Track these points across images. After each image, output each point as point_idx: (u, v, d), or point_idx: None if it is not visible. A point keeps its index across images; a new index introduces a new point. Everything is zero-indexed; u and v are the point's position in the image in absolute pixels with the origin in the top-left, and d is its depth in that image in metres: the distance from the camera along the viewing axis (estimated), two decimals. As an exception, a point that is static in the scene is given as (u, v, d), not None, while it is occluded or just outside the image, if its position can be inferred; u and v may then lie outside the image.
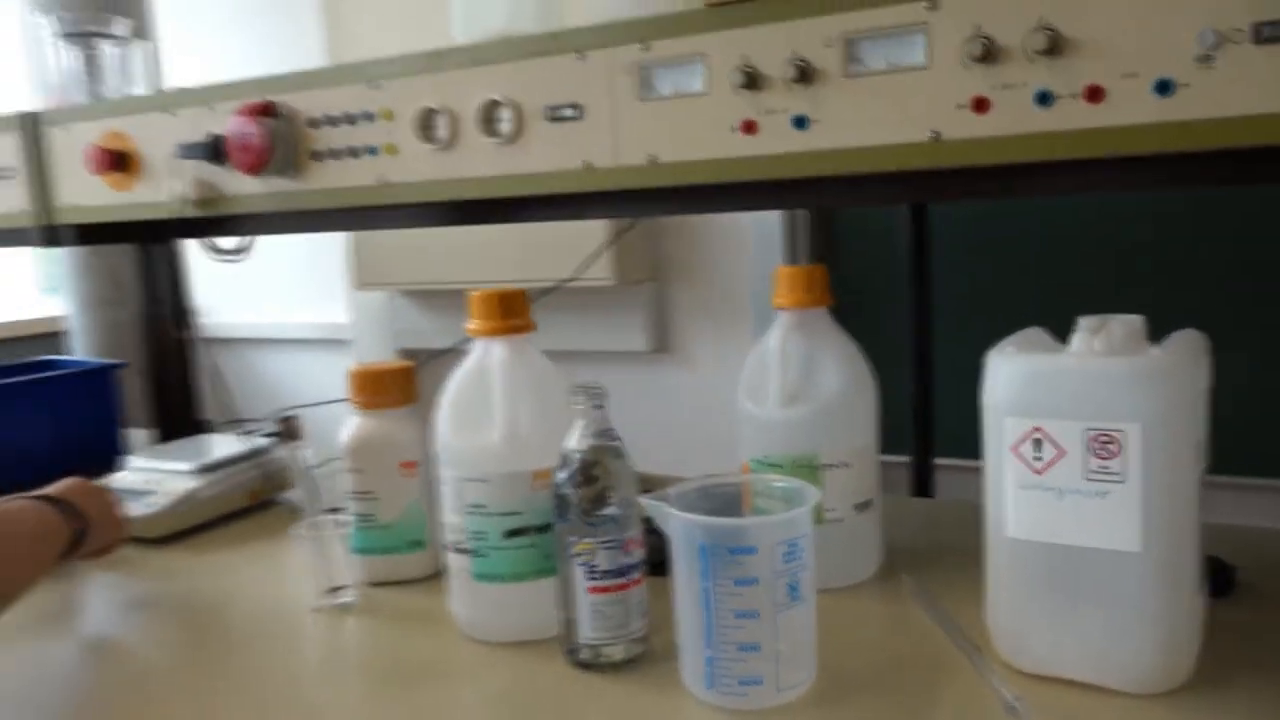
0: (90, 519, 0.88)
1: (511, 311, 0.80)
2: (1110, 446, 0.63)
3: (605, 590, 0.72)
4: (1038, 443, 0.66)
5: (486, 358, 0.80)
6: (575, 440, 0.73)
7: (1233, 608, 0.77)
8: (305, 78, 0.96)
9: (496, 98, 0.83)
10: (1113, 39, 0.62)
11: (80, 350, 2.19)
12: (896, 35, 0.69)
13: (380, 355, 2.40)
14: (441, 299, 2.28)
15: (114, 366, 1.44)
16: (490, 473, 0.77)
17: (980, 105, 0.67)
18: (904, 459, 1.54)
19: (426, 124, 0.87)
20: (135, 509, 1.07)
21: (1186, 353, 0.65)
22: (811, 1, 0.71)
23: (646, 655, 0.75)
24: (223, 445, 1.20)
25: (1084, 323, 0.67)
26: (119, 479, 1.15)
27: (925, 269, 1.31)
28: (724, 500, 0.72)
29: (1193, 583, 0.65)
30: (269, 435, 1.22)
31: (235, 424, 1.41)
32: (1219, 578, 0.78)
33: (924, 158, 0.70)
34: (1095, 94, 0.62)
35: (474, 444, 0.78)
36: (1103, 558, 0.64)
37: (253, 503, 1.16)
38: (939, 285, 1.47)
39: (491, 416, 0.78)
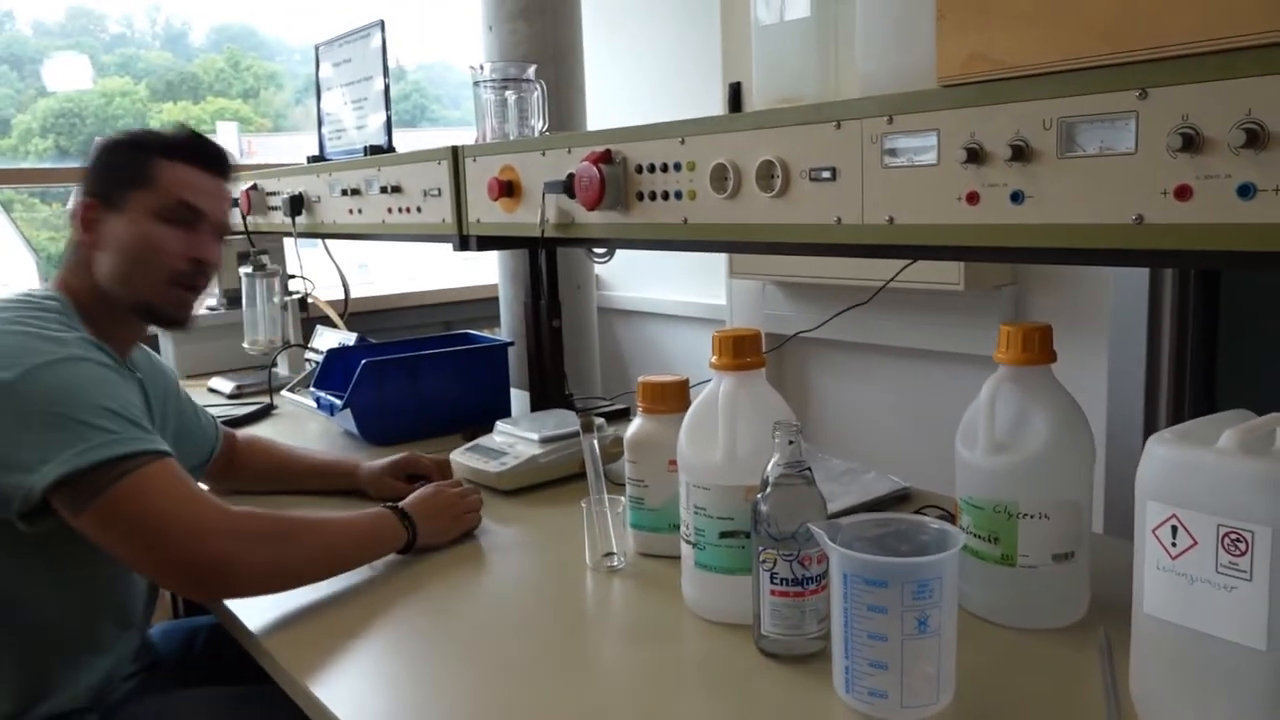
0: (420, 530, 1.15)
1: (742, 352, 0.95)
2: (1240, 544, 0.65)
3: (783, 595, 0.86)
4: (1174, 529, 0.69)
5: (721, 387, 0.96)
6: (770, 468, 0.87)
7: None
8: (634, 131, 1.17)
9: (771, 158, 0.98)
10: (1319, 136, 0.63)
11: (502, 315, 2.66)
12: (1108, 121, 0.74)
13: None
14: (805, 290, 2.45)
15: (506, 344, 1.81)
16: (711, 483, 0.94)
17: (1183, 193, 0.71)
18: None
19: (719, 176, 1.04)
20: (493, 466, 1.38)
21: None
22: (1032, 85, 0.78)
23: (822, 654, 0.87)
24: (565, 421, 1.48)
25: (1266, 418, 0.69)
26: (489, 438, 1.48)
27: (1215, 329, 1.24)
28: (892, 533, 0.82)
29: (1331, 692, 0.65)
30: (602, 415, 1.48)
31: (585, 400, 1.70)
32: None
33: (1126, 239, 0.75)
34: (1299, 189, 0.64)
35: (702, 457, 0.95)
36: (1230, 649, 0.67)
37: (582, 470, 1.42)
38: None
39: (717, 437, 0.94)
